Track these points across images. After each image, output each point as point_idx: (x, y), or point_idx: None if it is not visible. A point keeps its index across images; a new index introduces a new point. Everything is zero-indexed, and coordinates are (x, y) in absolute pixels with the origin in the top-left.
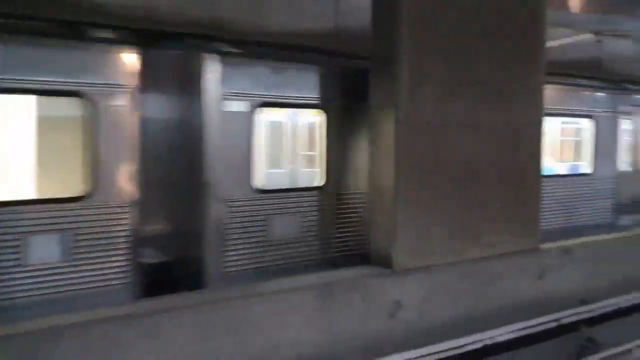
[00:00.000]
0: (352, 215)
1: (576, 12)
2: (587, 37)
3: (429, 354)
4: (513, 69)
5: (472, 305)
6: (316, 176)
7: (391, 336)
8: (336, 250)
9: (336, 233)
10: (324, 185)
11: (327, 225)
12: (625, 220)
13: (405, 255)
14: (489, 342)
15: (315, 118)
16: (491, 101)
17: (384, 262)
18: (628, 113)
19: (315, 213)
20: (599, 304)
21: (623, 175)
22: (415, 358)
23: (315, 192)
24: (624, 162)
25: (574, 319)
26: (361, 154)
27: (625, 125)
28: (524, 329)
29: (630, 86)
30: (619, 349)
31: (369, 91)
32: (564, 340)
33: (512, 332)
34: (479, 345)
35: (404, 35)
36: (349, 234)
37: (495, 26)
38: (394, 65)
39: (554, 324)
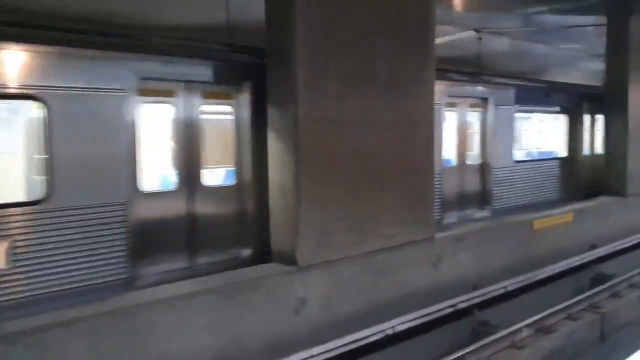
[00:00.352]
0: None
1: (459, 10)
2: (470, 34)
3: (335, 348)
4: (407, 66)
5: (374, 296)
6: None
7: (297, 333)
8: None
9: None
10: None
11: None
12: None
13: (308, 251)
14: (390, 331)
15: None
16: (386, 97)
17: (288, 259)
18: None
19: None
20: (490, 288)
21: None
22: (321, 353)
23: None
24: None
25: (467, 303)
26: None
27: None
28: (423, 316)
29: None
30: (511, 329)
31: (267, 86)
32: (460, 325)
33: (412, 320)
34: (381, 336)
35: (300, 29)
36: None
37: (389, 24)
38: (292, 60)
39: (450, 310)
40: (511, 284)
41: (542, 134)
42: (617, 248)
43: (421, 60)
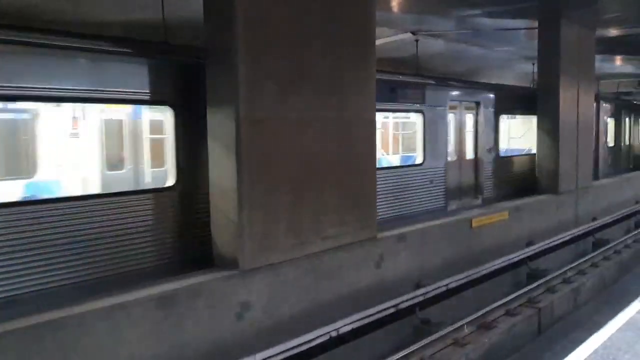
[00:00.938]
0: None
1: (396, 12)
2: (407, 36)
3: (279, 353)
4: (346, 66)
5: (317, 298)
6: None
7: (241, 338)
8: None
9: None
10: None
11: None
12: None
13: (251, 254)
14: (334, 333)
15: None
16: (326, 97)
17: (230, 264)
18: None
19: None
20: (431, 287)
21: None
22: (266, 359)
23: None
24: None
25: (410, 302)
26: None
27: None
28: (366, 317)
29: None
30: (453, 326)
31: (206, 86)
32: (402, 324)
33: (355, 321)
34: (325, 338)
35: (239, 27)
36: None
37: (328, 24)
38: (231, 59)
39: (392, 309)
40: (452, 281)
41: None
42: (552, 244)
43: (360, 60)
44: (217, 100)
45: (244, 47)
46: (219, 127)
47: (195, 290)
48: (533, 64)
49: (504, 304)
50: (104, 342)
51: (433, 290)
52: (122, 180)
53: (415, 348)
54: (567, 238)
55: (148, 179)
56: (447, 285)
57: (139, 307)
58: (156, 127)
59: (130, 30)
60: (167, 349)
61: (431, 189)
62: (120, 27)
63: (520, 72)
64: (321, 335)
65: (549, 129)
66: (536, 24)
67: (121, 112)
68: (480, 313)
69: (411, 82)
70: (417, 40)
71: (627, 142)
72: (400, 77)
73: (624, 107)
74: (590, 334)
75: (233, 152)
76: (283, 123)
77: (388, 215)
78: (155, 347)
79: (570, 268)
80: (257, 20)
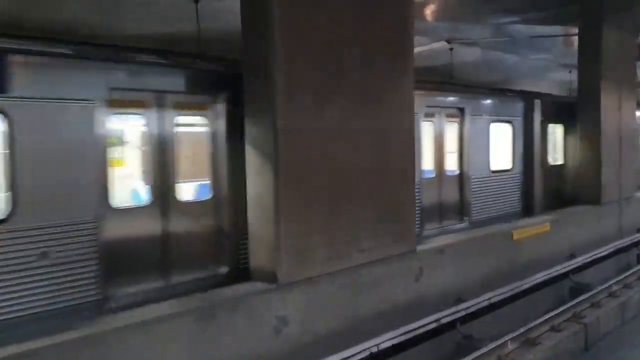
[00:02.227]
0: None
1: (430, 21)
2: (441, 44)
3: None
4: (384, 76)
5: (355, 313)
6: None
7: (279, 354)
8: None
9: None
10: None
11: None
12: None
13: (288, 268)
14: (375, 349)
15: None
16: (363, 107)
17: (267, 277)
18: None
19: None
20: (473, 301)
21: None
22: None
23: None
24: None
25: (451, 318)
26: None
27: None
28: (407, 332)
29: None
30: (496, 343)
31: (243, 97)
32: (443, 339)
33: (396, 337)
34: (366, 354)
35: (277, 39)
36: None
37: (366, 33)
38: (269, 71)
39: (434, 325)
40: (494, 296)
41: None
42: (595, 257)
43: (397, 69)
44: (255, 111)
45: (281, 57)
46: (257, 138)
47: (234, 303)
48: (570, 72)
49: (548, 320)
50: (143, 357)
51: (475, 305)
52: None
53: None
54: (611, 250)
55: None
56: (489, 299)
57: (177, 320)
58: None
59: (164, 42)
60: None
61: None
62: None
63: (556, 80)
64: (361, 351)
65: (591, 138)
66: (574, 30)
67: None
68: (524, 329)
69: None
70: (451, 49)
71: None
72: None
73: None
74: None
75: (271, 164)
76: (319, 134)
77: None
78: None
79: (616, 282)
80: (294, 29)
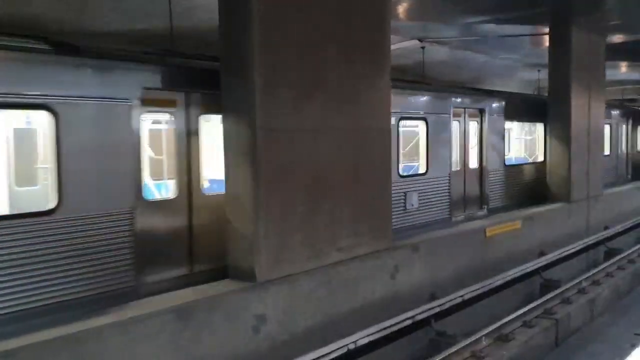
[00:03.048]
0: None
1: (403, 19)
2: (413, 43)
3: None
4: (361, 75)
5: (333, 310)
6: None
7: (257, 352)
8: None
9: None
10: None
11: None
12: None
13: (267, 266)
14: (352, 346)
15: None
16: (341, 106)
17: (246, 276)
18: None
19: None
20: (447, 298)
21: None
22: None
23: None
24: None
25: (426, 314)
26: None
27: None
28: (383, 329)
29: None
30: (471, 338)
31: (221, 94)
32: (418, 336)
33: (373, 333)
34: (343, 351)
35: (256, 33)
36: None
37: (342, 32)
38: (247, 66)
39: (409, 321)
40: (467, 292)
41: None
42: (565, 254)
43: (375, 68)
44: (233, 109)
45: (260, 54)
46: (235, 135)
47: (212, 302)
48: (538, 71)
49: (520, 316)
50: (121, 356)
51: (448, 301)
52: None
53: None
54: (580, 247)
55: None
56: (462, 296)
57: (155, 319)
58: None
59: (136, 40)
60: None
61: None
62: (126, 38)
63: (524, 80)
64: (339, 348)
65: (560, 136)
66: (543, 30)
67: None
68: (497, 325)
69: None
70: (423, 47)
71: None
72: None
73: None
74: (608, 347)
75: (249, 162)
76: (298, 132)
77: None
78: None
79: (585, 278)
80: (272, 23)
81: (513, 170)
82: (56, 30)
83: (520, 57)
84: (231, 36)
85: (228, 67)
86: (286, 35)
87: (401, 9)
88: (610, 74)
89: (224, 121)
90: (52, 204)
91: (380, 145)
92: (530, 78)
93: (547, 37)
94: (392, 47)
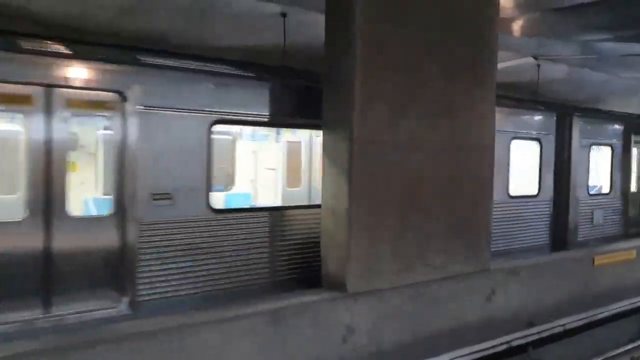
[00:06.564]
0: None
1: (517, 36)
2: (528, 60)
3: None
4: (462, 90)
5: (422, 328)
6: None
7: None
8: None
9: None
10: None
11: None
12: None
13: (357, 278)
14: None
15: None
16: (437, 121)
17: (336, 286)
18: None
19: None
20: (546, 326)
21: None
22: None
23: None
24: None
25: (522, 341)
26: None
27: None
28: (475, 352)
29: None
30: None
31: (322, 109)
32: None
33: (464, 355)
34: None
35: (358, 53)
36: None
37: (443, 48)
38: (347, 84)
39: (504, 347)
40: (569, 322)
41: None
42: None
43: (477, 84)
44: (332, 122)
45: (361, 71)
46: (333, 148)
47: (303, 309)
48: None
49: (627, 351)
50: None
51: (548, 329)
52: None
53: None
54: None
55: None
56: (563, 325)
57: (248, 320)
58: None
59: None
60: None
61: None
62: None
63: None
64: None
65: None
66: None
67: None
68: (600, 358)
69: None
70: (538, 65)
71: None
72: None
73: None
74: None
75: (346, 174)
76: (392, 145)
77: None
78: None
79: None
80: (375, 44)
81: None
82: (179, 44)
83: None
84: (334, 54)
85: (330, 82)
86: (387, 52)
87: (516, 25)
88: None
89: (324, 134)
90: None
91: (480, 162)
92: None
93: None
94: (506, 64)
